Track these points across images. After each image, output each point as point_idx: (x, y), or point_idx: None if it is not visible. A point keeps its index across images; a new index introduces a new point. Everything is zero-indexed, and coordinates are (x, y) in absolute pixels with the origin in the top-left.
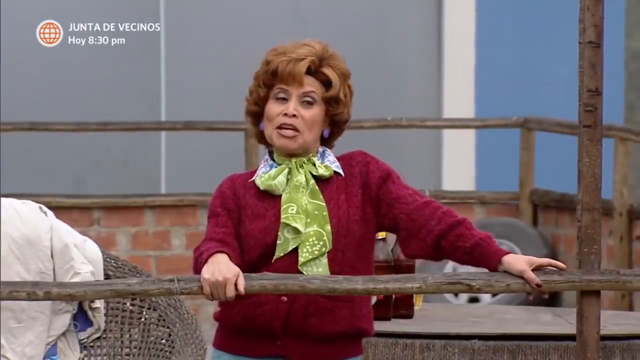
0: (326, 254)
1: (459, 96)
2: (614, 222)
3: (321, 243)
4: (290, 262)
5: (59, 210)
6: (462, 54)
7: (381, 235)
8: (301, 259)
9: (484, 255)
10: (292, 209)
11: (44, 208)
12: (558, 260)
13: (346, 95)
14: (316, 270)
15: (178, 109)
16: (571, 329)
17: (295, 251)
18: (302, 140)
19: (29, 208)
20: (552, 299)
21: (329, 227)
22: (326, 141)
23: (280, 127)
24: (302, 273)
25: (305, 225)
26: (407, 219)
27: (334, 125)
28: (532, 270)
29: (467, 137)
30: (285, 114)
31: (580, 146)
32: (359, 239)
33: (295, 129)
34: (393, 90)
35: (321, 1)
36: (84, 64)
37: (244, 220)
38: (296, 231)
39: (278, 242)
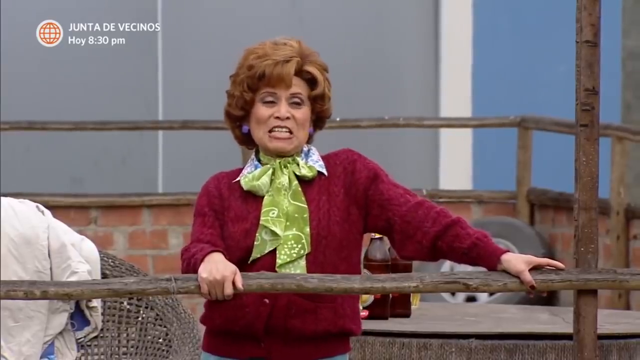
0: (304, 257)
1: (456, 95)
2: (611, 221)
3: (299, 246)
4: (269, 264)
5: (56, 209)
6: (459, 53)
7: (378, 234)
8: (279, 261)
9: (482, 255)
10: (273, 213)
11: (42, 207)
12: (555, 260)
13: (329, 90)
14: (294, 272)
15: (176, 108)
16: (568, 328)
17: (273, 253)
18: (297, 141)
19: (26, 207)
20: (549, 298)
21: (308, 230)
22: (310, 137)
23: (272, 130)
24: None
25: (285, 228)
26: (401, 221)
27: (319, 120)
28: (531, 269)
29: (464, 137)
30: (278, 117)
31: (577, 145)
32: (340, 240)
33: (289, 131)
34: (390, 89)
35: (319, 1)
36: (82, 63)
37: (226, 222)
38: (274, 234)
39: (255, 243)
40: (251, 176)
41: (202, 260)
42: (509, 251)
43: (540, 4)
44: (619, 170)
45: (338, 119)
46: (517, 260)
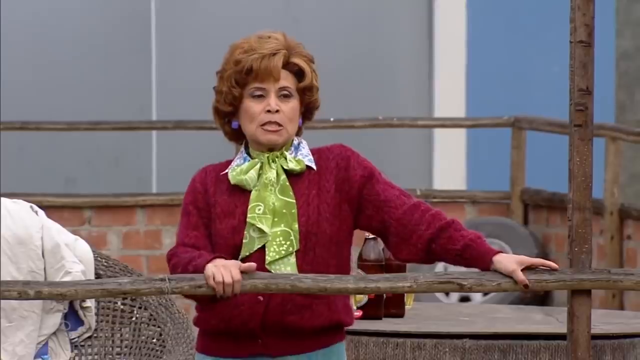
0: (294, 253)
1: (450, 95)
2: (605, 222)
3: (288, 243)
4: (259, 261)
5: (50, 209)
6: (453, 53)
7: (371, 234)
8: (268, 258)
9: (475, 256)
10: (259, 209)
11: (35, 207)
12: (549, 260)
13: (316, 80)
14: (284, 269)
15: (169, 108)
16: (562, 328)
17: (263, 250)
18: (286, 134)
19: (20, 207)
20: (543, 298)
21: (296, 226)
22: (299, 129)
23: (264, 125)
24: (269, 272)
25: (272, 224)
26: (397, 224)
27: (307, 112)
28: (524, 269)
29: (458, 137)
30: (268, 111)
31: (571, 145)
32: (330, 237)
33: (278, 124)
34: (384, 89)
35: (313, 1)
36: (76, 63)
37: (214, 219)
38: (262, 231)
39: (244, 241)
40: (239, 170)
41: (202, 268)
42: (501, 252)
43: (534, 4)
44: (613, 171)
45: (332, 119)
46: (508, 261)
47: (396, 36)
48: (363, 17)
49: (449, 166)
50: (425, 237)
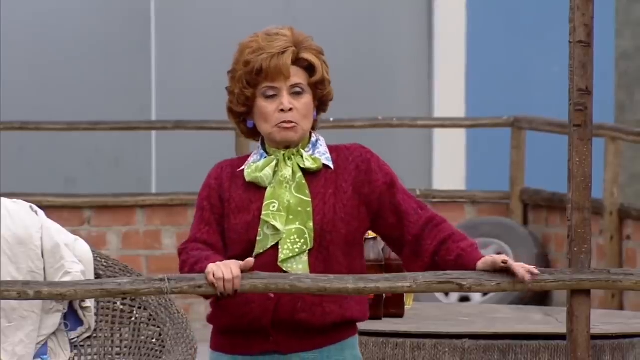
0: (307, 252)
1: (450, 95)
2: (605, 222)
3: (302, 241)
4: (272, 258)
5: (49, 209)
6: (453, 54)
7: (371, 234)
8: (281, 256)
9: (465, 265)
10: (274, 206)
11: (35, 207)
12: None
13: (327, 73)
14: (296, 268)
15: (169, 108)
16: (561, 328)
17: (276, 247)
18: (301, 130)
19: (19, 207)
20: (542, 298)
21: (311, 224)
22: (314, 122)
23: (278, 124)
24: (282, 270)
25: (287, 222)
26: (414, 239)
27: (322, 104)
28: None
29: (457, 137)
30: (282, 110)
31: (570, 145)
32: (345, 236)
33: (293, 122)
34: (384, 89)
35: (312, 1)
36: (76, 63)
37: (228, 215)
38: (275, 228)
39: (258, 238)
40: (255, 167)
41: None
42: (486, 256)
43: (533, 4)
44: (613, 171)
45: (332, 119)
46: (487, 257)
47: (396, 36)
48: (363, 17)
49: (449, 166)
50: (430, 251)
